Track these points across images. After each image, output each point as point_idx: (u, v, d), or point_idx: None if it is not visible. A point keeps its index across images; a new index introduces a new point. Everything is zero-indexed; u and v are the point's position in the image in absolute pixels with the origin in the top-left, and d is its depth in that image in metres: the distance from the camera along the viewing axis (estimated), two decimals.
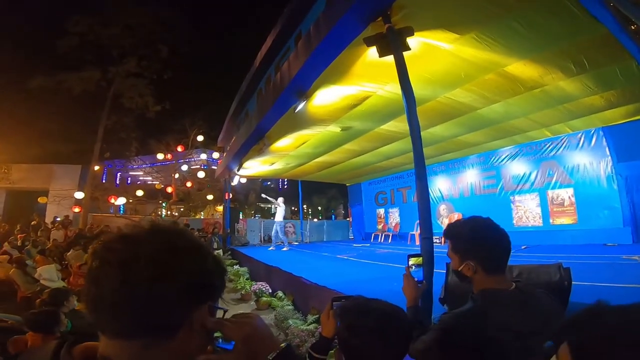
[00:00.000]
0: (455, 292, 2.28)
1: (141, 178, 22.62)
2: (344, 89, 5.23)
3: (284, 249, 9.75)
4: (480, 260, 1.19)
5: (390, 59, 3.29)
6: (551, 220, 8.50)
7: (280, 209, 10.09)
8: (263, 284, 6.29)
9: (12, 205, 16.09)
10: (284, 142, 7.93)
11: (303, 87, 5.05)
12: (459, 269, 1.23)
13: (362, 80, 4.98)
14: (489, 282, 1.17)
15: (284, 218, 10.21)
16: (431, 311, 2.55)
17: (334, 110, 6.05)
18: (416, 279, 1.59)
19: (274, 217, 10.23)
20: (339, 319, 0.95)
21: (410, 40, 3.53)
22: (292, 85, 4.97)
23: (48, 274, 4.81)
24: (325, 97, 5.49)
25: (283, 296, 5.58)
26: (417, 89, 5.29)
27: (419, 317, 1.53)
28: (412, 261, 1.66)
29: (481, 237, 1.20)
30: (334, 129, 7.09)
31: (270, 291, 6.06)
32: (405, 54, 3.94)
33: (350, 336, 0.93)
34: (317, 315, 4.19)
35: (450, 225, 1.30)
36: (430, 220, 2.74)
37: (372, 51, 3.71)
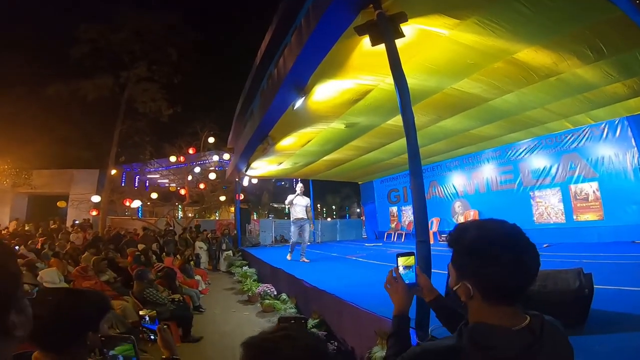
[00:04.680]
0: (459, 301, 2.05)
1: (159, 181, 23.08)
2: (342, 83, 5.03)
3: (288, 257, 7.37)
4: (479, 282, 0.86)
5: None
6: (575, 217, 8.01)
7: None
8: (268, 286, 6.19)
9: (34, 210, 16.75)
10: (289, 141, 7.81)
11: (300, 83, 4.88)
12: (454, 289, 0.92)
13: (361, 73, 4.76)
14: (489, 314, 0.84)
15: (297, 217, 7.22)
16: (428, 323, 2.34)
17: (335, 106, 5.86)
18: (409, 282, 1.28)
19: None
20: (244, 356, 0.73)
21: (405, 28, 3.29)
22: (289, 80, 4.81)
23: (49, 277, 4.87)
24: (325, 93, 5.31)
25: (287, 299, 5.46)
26: (421, 80, 5.09)
27: (405, 330, 1.21)
28: (401, 261, 1.32)
29: (486, 251, 0.84)
30: (338, 125, 6.90)
31: (276, 293, 5.95)
32: (404, 43, 3.72)
33: None
34: (317, 320, 4.04)
35: (455, 229, 0.95)
36: (426, 222, 2.52)
37: (367, 42, 3.49)
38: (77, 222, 14.58)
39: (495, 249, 0.83)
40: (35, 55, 15.79)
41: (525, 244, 0.85)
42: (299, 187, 7.28)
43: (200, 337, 4.50)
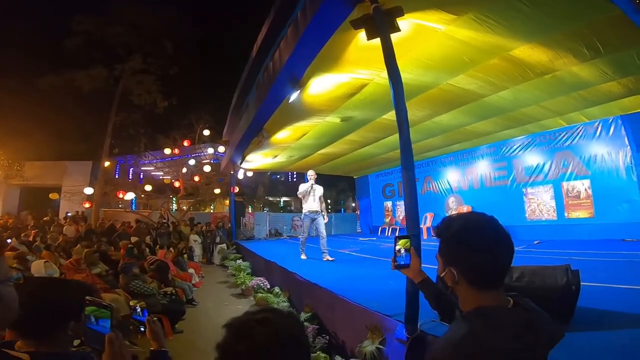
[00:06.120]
0: (446, 287, 2.05)
1: (153, 173, 22.90)
2: (338, 76, 5.00)
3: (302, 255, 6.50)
4: (463, 269, 0.93)
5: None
6: (566, 214, 8.10)
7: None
8: (262, 279, 6.20)
9: (26, 202, 16.58)
10: (284, 134, 7.77)
11: (296, 76, 4.84)
12: (441, 276, 1.00)
13: (357, 67, 4.73)
14: (480, 298, 0.91)
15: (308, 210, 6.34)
16: (417, 318, 2.35)
17: (330, 99, 5.83)
18: (403, 263, 1.42)
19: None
20: (223, 337, 0.74)
21: (401, 23, 3.27)
22: (284, 73, 4.76)
23: (36, 269, 4.83)
24: (320, 86, 5.28)
25: (280, 292, 5.46)
26: (417, 76, 5.08)
27: (429, 290, 1.37)
28: (399, 244, 1.43)
29: (469, 241, 0.92)
30: (333, 119, 6.87)
31: (269, 287, 5.96)
32: (400, 37, 3.70)
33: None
34: (310, 313, 4.05)
35: (442, 220, 1.04)
36: (417, 216, 2.51)
37: (364, 35, 3.46)
38: (69, 214, 14.46)
39: (479, 238, 0.92)
40: (29, 47, 15.58)
41: (504, 234, 0.93)
42: (311, 174, 6.33)
43: (181, 330, 4.50)
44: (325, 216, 6.41)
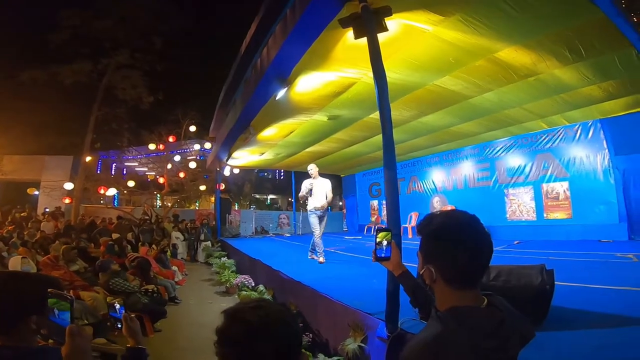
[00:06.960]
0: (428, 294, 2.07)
1: (137, 169, 22.42)
2: (325, 75, 4.99)
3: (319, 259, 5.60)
4: (440, 267, 0.92)
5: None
6: (545, 215, 8.32)
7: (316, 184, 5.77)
8: (246, 277, 6.17)
9: (3, 197, 16.00)
10: (271, 132, 7.72)
11: (283, 73, 4.80)
12: (420, 273, 0.99)
13: (344, 66, 4.73)
14: (456, 297, 0.90)
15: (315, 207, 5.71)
16: (397, 315, 2.38)
17: (317, 98, 5.82)
18: (384, 256, 1.44)
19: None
20: (221, 323, 0.80)
21: (389, 22, 3.28)
22: (271, 70, 4.72)
23: (13, 266, 4.68)
24: (308, 84, 5.26)
25: (264, 290, 5.44)
26: (405, 76, 5.12)
27: (407, 281, 1.42)
28: (380, 237, 1.44)
29: (448, 238, 0.91)
30: (320, 117, 6.87)
31: (254, 284, 5.93)
32: (387, 37, 3.72)
33: (218, 344, 0.79)
34: (294, 311, 4.05)
35: (424, 217, 1.03)
36: (398, 215, 2.53)
37: (352, 35, 3.46)
38: (47, 209, 14.02)
39: (459, 236, 0.90)
40: (11, 40, 15.01)
41: (483, 232, 0.92)
42: (310, 169, 5.84)
43: (160, 329, 4.41)
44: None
